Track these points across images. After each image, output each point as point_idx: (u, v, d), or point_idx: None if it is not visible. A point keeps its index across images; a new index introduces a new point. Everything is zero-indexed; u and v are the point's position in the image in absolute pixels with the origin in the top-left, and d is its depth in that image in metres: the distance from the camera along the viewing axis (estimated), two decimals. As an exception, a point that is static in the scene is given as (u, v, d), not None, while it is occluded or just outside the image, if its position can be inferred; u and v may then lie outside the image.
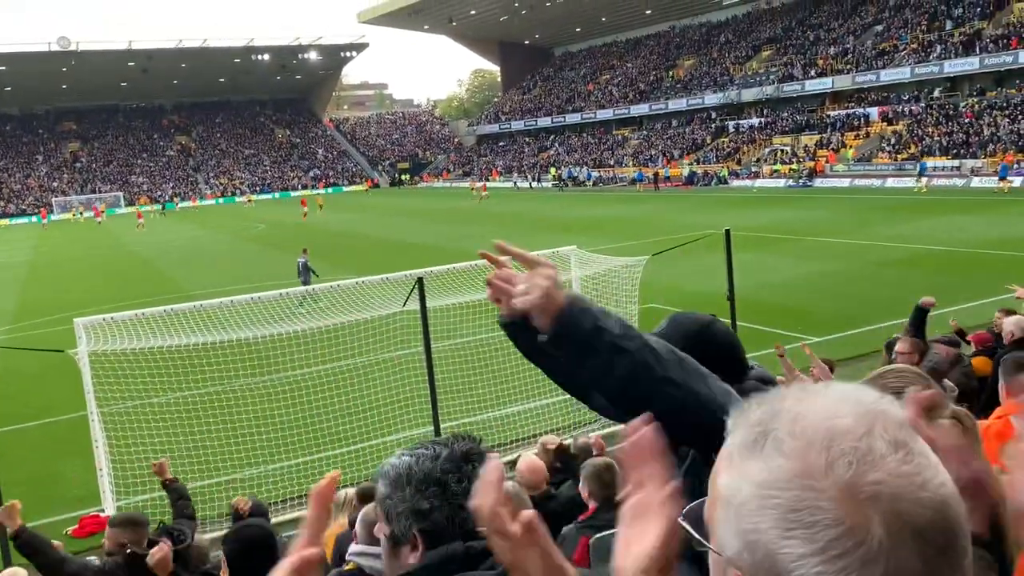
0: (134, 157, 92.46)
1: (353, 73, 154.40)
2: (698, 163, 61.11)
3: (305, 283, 22.56)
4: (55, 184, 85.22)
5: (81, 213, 74.27)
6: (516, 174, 76.55)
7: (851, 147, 51.80)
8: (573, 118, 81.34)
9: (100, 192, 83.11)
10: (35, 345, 13.39)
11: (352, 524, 5.15)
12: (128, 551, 4.44)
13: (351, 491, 6.12)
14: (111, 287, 27.71)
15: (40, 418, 13.30)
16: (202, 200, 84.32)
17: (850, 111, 55.71)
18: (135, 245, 43.62)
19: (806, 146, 54.51)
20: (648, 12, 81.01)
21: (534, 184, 70.56)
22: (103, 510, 9.49)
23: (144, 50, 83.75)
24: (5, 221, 75.75)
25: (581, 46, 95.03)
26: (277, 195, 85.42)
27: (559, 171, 71.08)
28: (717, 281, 20.08)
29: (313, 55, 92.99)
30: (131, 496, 9.37)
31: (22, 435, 12.20)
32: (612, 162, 70.51)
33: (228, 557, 3.97)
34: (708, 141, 64.60)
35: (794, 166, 51.68)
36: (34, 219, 73.45)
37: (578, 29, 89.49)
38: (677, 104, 70.13)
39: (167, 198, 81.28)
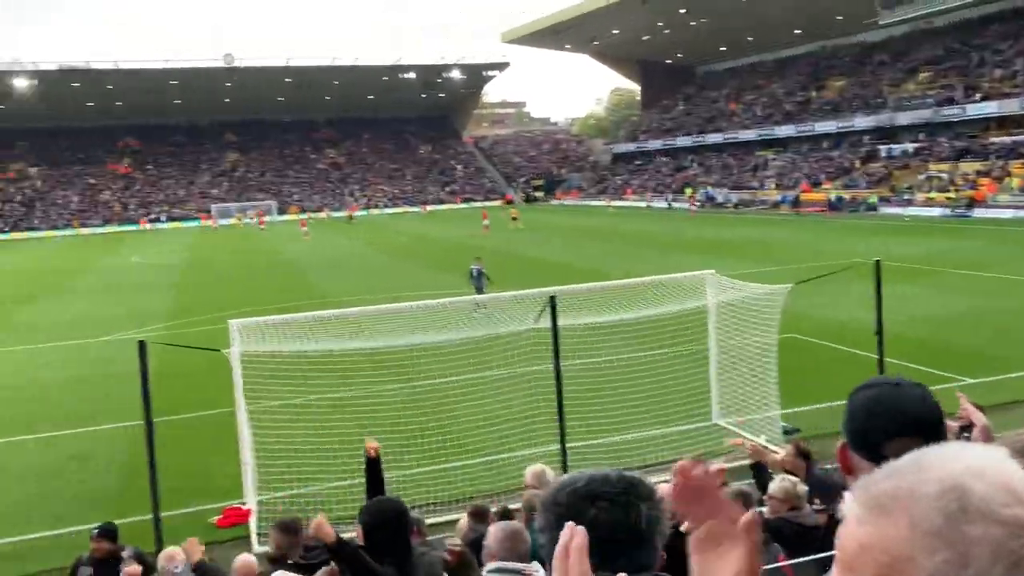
0: (287, 168, 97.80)
1: (493, 91, 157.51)
2: (846, 188, 58.51)
3: (479, 289, 23.53)
4: (214, 191, 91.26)
5: (251, 219, 78.69)
6: (651, 193, 75.74)
7: (1017, 176, 48.17)
8: (714, 138, 79.77)
9: (255, 200, 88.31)
10: (190, 343, 14.32)
11: (473, 543, 5.19)
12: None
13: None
14: (262, 291, 29.32)
15: (193, 411, 14.19)
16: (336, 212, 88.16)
17: (1017, 138, 51.86)
18: (289, 252, 46.02)
19: (965, 174, 51.13)
20: (798, 32, 78.53)
21: (674, 204, 69.50)
22: (244, 502, 10.00)
23: (300, 67, 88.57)
24: (177, 224, 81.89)
25: (725, 65, 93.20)
26: (419, 208, 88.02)
27: (695, 191, 69.77)
28: (862, 313, 19.12)
29: (456, 74, 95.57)
30: (271, 492, 9.83)
31: (176, 427, 13.03)
32: (754, 184, 68.61)
33: (364, 528, 4.21)
34: (857, 166, 61.75)
35: (951, 194, 48.58)
36: (194, 223, 79.05)
37: (723, 48, 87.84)
38: (825, 126, 67.48)
39: (339, 207, 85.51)
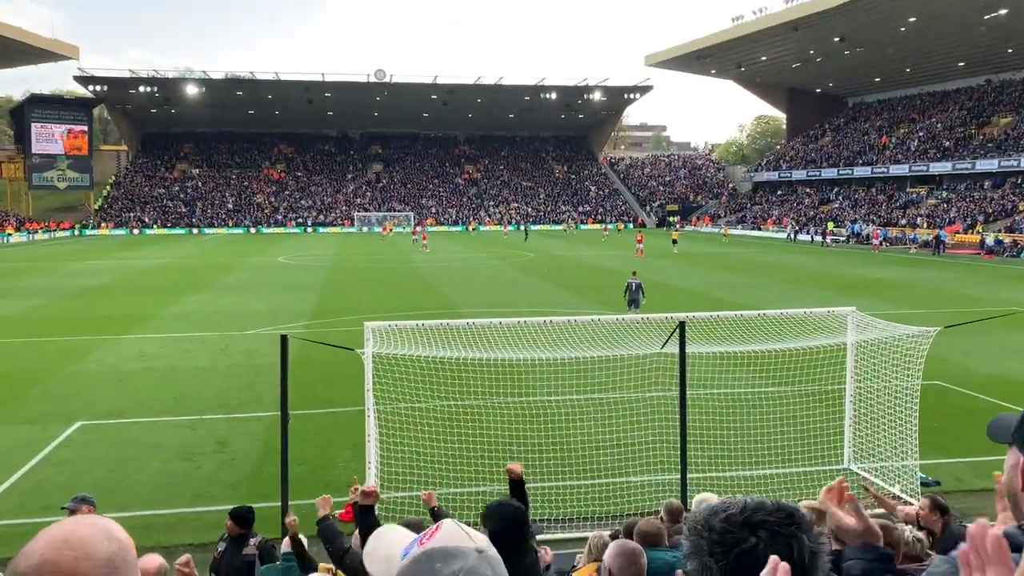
0: (427, 181, 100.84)
1: (634, 114, 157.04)
2: (1009, 231, 54.60)
3: (634, 303, 23.97)
4: (358, 200, 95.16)
5: (414, 229, 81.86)
6: (789, 225, 73.17)
7: None
8: (862, 171, 76.37)
9: (395, 211, 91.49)
10: (327, 342, 14.98)
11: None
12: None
13: (604, 534, 6.11)
14: (396, 297, 30.30)
15: (324, 407, 14.82)
16: (481, 227, 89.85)
17: None
18: (421, 262, 47.40)
19: None
20: (961, 64, 74.25)
21: (816, 238, 66.82)
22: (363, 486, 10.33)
23: (446, 84, 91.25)
24: (336, 229, 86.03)
25: (879, 97, 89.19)
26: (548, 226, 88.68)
27: (839, 226, 66.89)
28: (1015, 365, 17.79)
29: (597, 95, 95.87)
30: (393, 491, 10.12)
31: (308, 420, 13.64)
32: (903, 221, 65.15)
33: (491, 529, 4.34)
34: (1021, 208, 57.59)
35: None
36: (338, 228, 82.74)
37: (877, 79, 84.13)
38: (987, 164, 63.33)
39: (518, 220, 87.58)
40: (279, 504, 9.31)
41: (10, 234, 72.85)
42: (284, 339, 9.41)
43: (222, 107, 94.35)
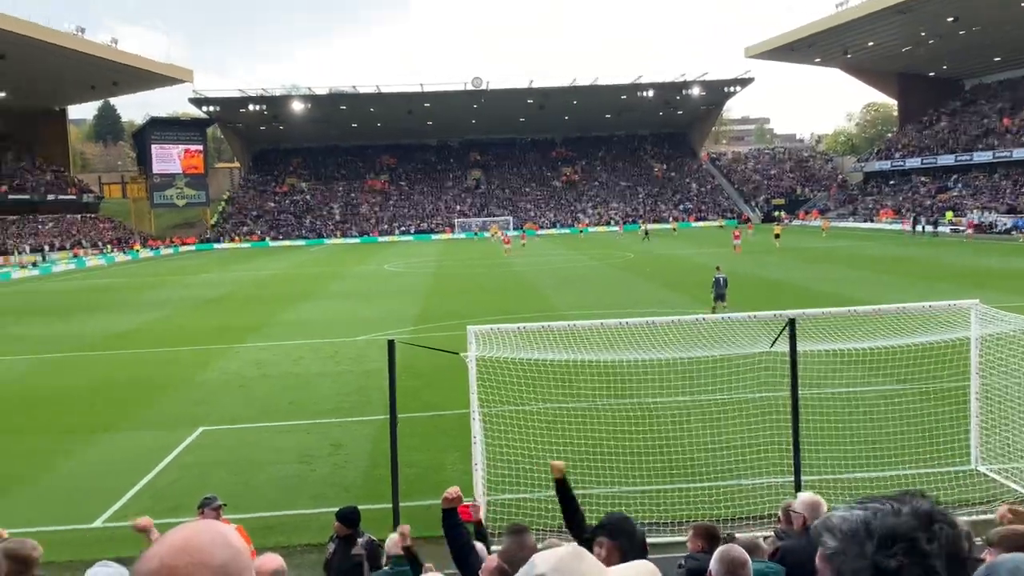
0: (525, 185, 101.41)
1: (735, 107, 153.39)
2: None
3: (720, 296, 23.78)
4: (458, 207, 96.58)
5: (502, 231, 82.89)
6: (903, 215, 69.83)
7: None
8: (982, 156, 72.17)
9: (494, 216, 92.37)
10: (432, 346, 15.26)
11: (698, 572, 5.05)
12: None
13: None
14: (499, 300, 30.57)
15: (431, 411, 15.08)
16: (576, 229, 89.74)
17: None
18: (519, 265, 47.68)
19: None
20: (1092, 36, 69.26)
21: (930, 227, 63.55)
22: (475, 500, 10.45)
23: (542, 88, 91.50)
24: (438, 236, 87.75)
25: (999, 77, 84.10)
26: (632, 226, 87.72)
27: (958, 215, 63.39)
28: None
29: (696, 91, 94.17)
30: (499, 494, 10.19)
31: (416, 424, 13.92)
32: (1029, 208, 61.21)
33: (611, 538, 4.40)
34: None
35: None
36: (439, 236, 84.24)
37: (997, 58, 79.31)
38: (1124, 143, 58.81)
39: (631, 220, 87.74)
40: (391, 505, 9.53)
41: (137, 251, 77.52)
42: (391, 344, 9.63)
43: (327, 121, 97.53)
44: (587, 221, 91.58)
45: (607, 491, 10.36)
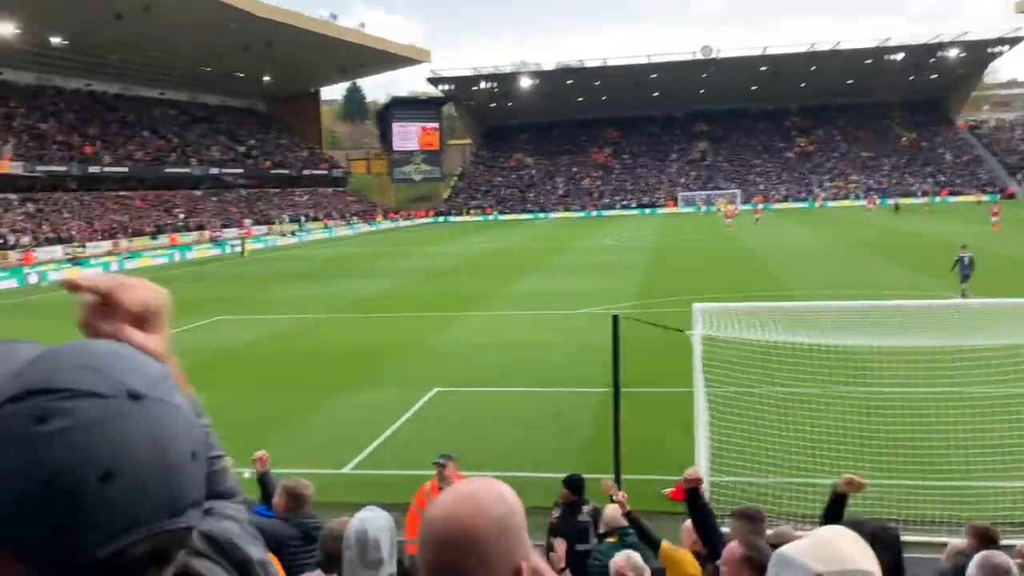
0: (754, 157, 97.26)
1: (1003, 69, 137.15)
2: None
3: (965, 278, 22.31)
4: (681, 180, 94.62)
5: (756, 210, 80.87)
6: None
7: None
8: None
9: (720, 189, 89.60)
10: (654, 322, 15.15)
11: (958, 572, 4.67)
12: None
13: (957, 542, 5.54)
14: (723, 277, 29.73)
15: (653, 387, 15.02)
16: (812, 204, 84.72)
17: None
18: (747, 240, 45.98)
19: None
20: None
21: None
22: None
23: (775, 55, 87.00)
24: (660, 210, 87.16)
25: None
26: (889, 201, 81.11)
27: None
28: None
29: (954, 52, 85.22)
30: (722, 475, 9.99)
31: (637, 399, 13.91)
32: None
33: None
34: None
35: None
36: (663, 210, 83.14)
37: None
38: None
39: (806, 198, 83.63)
40: (611, 477, 9.63)
41: (379, 222, 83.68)
42: (616, 319, 9.68)
43: (553, 97, 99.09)
44: (824, 195, 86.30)
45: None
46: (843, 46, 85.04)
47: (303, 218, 78.57)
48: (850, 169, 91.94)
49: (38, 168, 57.75)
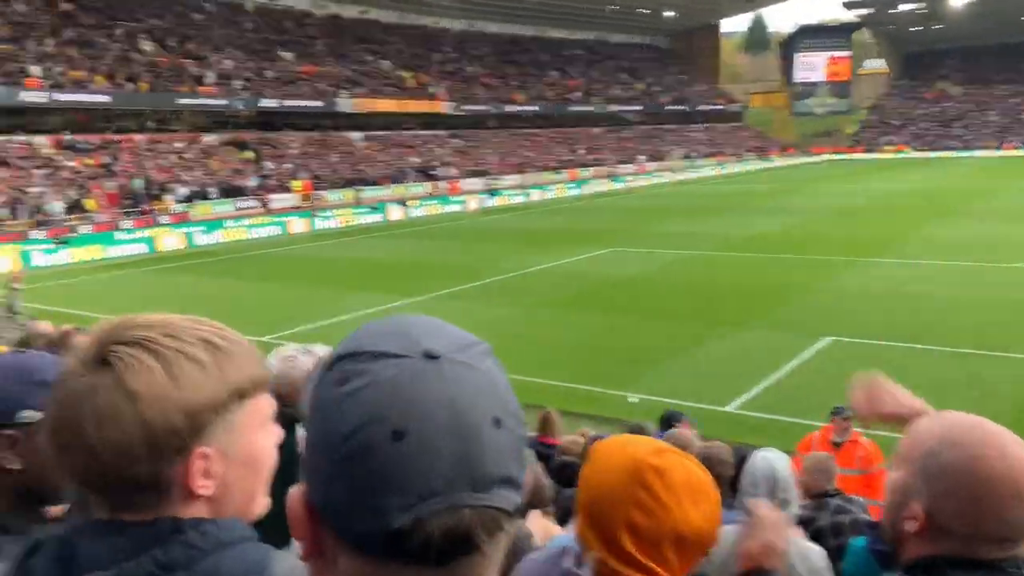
0: None
1: None
2: None
3: None
4: None
5: None
6: None
7: None
8: None
9: None
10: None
11: None
12: None
13: None
14: None
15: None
16: None
17: None
18: None
19: None
20: None
21: None
22: None
23: None
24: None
25: None
26: None
27: None
28: None
29: None
30: None
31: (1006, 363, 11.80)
32: None
33: None
34: None
35: None
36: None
37: None
38: None
39: None
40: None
41: (773, 158, 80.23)
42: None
43: (993, 15, 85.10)
44: None
45: None
46: None
47: (694, 154, 78.28)
48: None
49: (464, 107, 64.78)
